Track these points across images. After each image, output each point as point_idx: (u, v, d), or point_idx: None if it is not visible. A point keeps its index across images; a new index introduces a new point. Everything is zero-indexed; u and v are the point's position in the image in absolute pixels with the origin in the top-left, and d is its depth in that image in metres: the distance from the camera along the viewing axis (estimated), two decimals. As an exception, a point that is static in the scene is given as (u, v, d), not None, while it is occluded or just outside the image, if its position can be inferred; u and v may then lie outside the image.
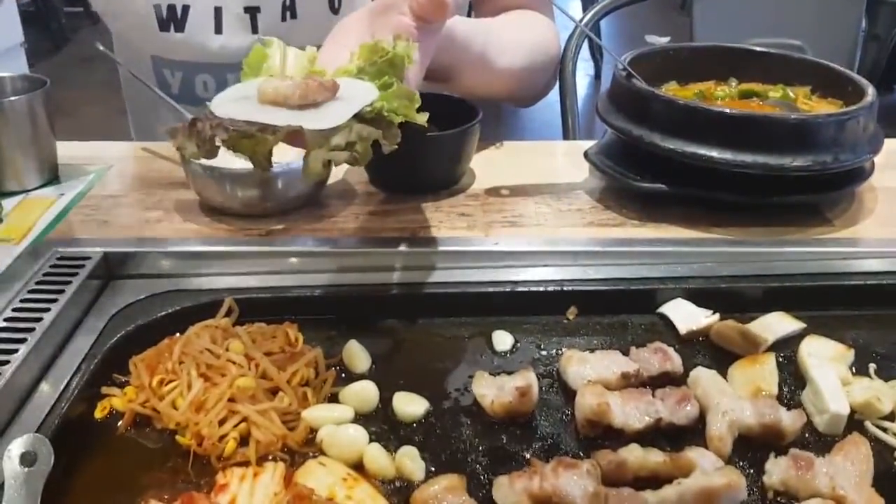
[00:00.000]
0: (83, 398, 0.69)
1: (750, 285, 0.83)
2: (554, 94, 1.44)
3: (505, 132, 1.25)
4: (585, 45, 1.53)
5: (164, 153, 1.09)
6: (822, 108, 0.99)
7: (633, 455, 0.62)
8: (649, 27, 4.73)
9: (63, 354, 0.73)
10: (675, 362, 0.73)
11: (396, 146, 0.71)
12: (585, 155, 0.99)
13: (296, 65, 0.78)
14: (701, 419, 0.67)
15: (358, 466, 0.64)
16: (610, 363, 0.72)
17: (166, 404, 0.68)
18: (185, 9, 1.14)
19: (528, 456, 0.65)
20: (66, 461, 0.63)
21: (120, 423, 0.68)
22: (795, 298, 0.82)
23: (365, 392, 0.70)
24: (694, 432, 0.67)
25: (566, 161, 1.10)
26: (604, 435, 0.67)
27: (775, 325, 0.78)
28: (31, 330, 0.72)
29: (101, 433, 0.68)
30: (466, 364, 0.75)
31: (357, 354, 0.75)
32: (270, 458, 0.65)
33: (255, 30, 1.15)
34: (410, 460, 0.63)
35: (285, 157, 0.93)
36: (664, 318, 0.81)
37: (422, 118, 0.72)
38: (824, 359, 0.73)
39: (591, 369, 0.71)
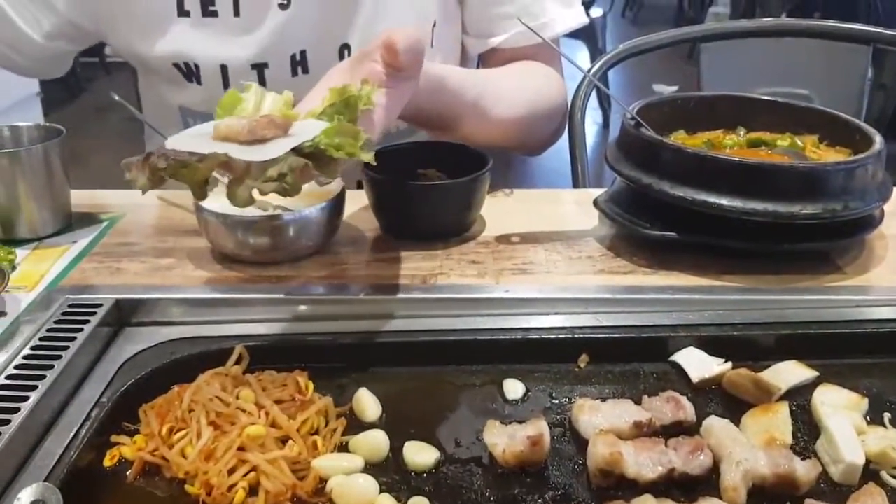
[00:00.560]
0: (93, 446, 0.69)
1: (762, 333, 0.83)
2: (563, 142, 1.45)
3: (515, 180, 1.26)
4: (594, 95, 1.54)
5: (176, 201, 1.10)
6: (831, 156, 1.00)
7: (647, 506, 0.61)
8: (657, 77, 4.78)
9: (73, 402, 0.73)
10: (687, 411, 0.72)
11: (332, 180, 0.74)
12: (595, 203, 0.99)
13: (272, 108, 0.79)
14: (714, 469, 0.66)
15: (368, 517, 0.63)
16: (622, 412, 0.71)
17: (176, 453, 0.67)
18: (197, 67, 1.16)
19: (539, 506, 0.64)
20: (75, 510, 0.62)
21: (129, 471, 0.68)
22: (808, 346, 0.81)
23: (375, 441, 0.70)
24: (707, 482, 0.66)
25: (576, 209, 1.10)
26: (616, 485, 0.66)
27: (788, 373, 0.77)
28: (42, 377, 0.72)
29: (110, 481, 0.67)
30: (477, 412, 0.75)
31: (367, 403, 0.74)
32: (280, 507, 0.64)
33: (263, 84, 1.15)
34: (421, 511, 0.62)
35: (296, 205, 0.94)
36: (676, 366, 0.80)
37: (367, 156, 0.74)
38: (838, 408, 0.72)
39: (603, 418, 0.71)
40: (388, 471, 0.68)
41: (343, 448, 0.70)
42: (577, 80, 1.45)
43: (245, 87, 0.82)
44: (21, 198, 0.98)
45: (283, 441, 0.69)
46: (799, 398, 0.75)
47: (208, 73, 1.16)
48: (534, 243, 0.99)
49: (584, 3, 1.26)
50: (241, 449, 0.67)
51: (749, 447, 0.67)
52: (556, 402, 0.76)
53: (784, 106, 1.08)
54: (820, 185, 0.89)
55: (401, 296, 0.87)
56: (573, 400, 0.74)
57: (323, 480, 0.66)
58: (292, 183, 0.71)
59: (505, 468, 0.67)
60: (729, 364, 0.78)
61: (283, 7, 1.11)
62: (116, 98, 1.17)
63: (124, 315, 0.85)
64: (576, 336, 0.82)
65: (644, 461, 0.66)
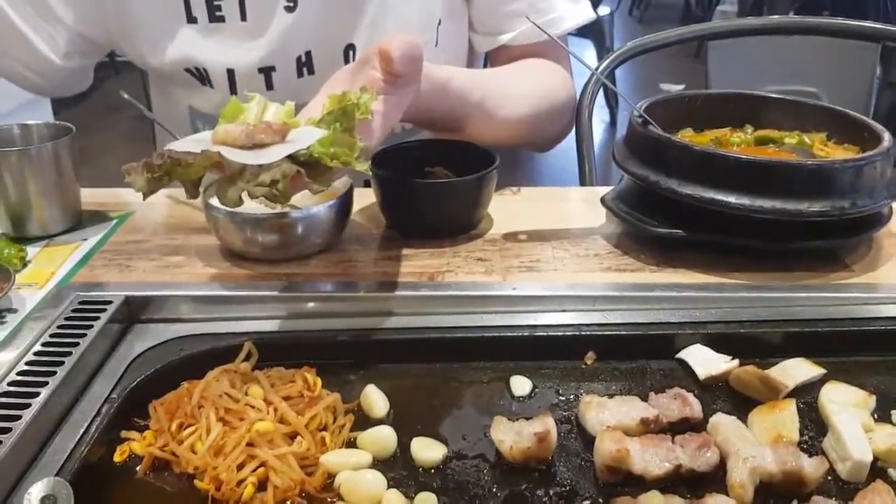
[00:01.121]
0: (103, 442, 0.70)
1: (769, 331, 0.83)
2: (570, 140, 1.45)
3: (522, 178, 1.27)
4: (601, 93, 1.54)
5: (185, 199, 1.10)
6: (839, 154, 1.00)
7: (653, 502, 0.62)
8: (664, 75, 4.77)
9: (83, 398, 0.74)
10: (694, 408, 0.72)
11: (325, 189, 0.75)
12: (602, 200, 0.99)
13: (274, 118, 0.81)
14: (721, 466, 0.66)
15: (376, 512, 0.63)
16: (629, 409, 0.72)
17: (185, 448, 0.68)
18: (205, 71, 1.17)
19: (547, 502, 0.64)
20: (86, 505, 0.63)
21: (139, 466, 0.68)
22: (815, 344, 0.81)
23: (383, 437, 0.70)
24: (714, 479, 0.66)
25: (583, 206, 1.11)
26: (623, 481, 0.66)
27: (795, 370, 0.77)
28: (53, 374, 0.73)
29: (120, 477, 0.68)
30: (484, 409, 0.75)
31: (375, 399, 0.75)
32: (288, 503, 0.64)
33: (270, 87, 1.16)
34: (429, 506, 0.63)
35: (305, 203, 0.94)
36: (683, 363, 0.81)
37: (361, 166, 0.75)
38: (846, 405, 0.72)
39: (610, 415, 0.71)
40: (396, 466, 0.68)
41: (351, 444, 0.71)
42: (585, 78, 1.45)
43: (249, 97, 0.83)
44: (31, 196, 0.99)
45: (292, 437, 0.70)
46: (806, 395, 0.75)
47: (217, 77, 1.16)
48: (541, 241, 0.99)
49: (591, 2, 1.26)
50: (249, 445, 0.67)
51: (756, 444, 0.67)
52: (563, 398, 0.77)
53: (792, 103, 1.08)
54: (828, 183, 0.89)
55: (408, 293, 0.88)
56: (580, 397, 0.75)
57: (331, 476, 0.67)
58: (282, 190, 0.72)
59: (512, 464, 0.68)
60: (736, 361, 0.78)
61: (289, 9, 1.12)
62: (126, 97, 1.18)
63: (134, 312, 0.86)
64: (583, 333, 0.83)
65: (651, 457, 0.66)
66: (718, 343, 0.81)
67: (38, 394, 0.70)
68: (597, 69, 1.45)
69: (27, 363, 0.75)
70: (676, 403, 0.73)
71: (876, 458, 0.67)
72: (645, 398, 0.74)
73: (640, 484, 0.65)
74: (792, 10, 4.78)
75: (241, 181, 0.72)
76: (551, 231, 1.01)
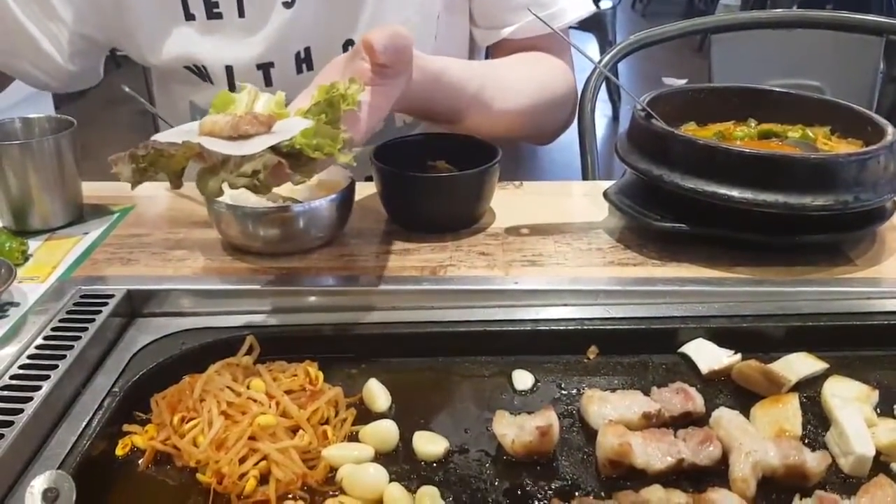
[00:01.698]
0: (105, 435, 0.70)
1: (772, 325, 0.83)
2: (573, 134, 1.45)
3: (524, 173, 1.27)
4: (603, 87, 1.54)
5: (187, 193, 1.10)
6: (843, 148, 0.99)
7: (656, 496, 0.61)
8: (667, 69, 4.77)
9: (85, 391, 0.74)
10: (697, 402, 0.72)
11: (307, 180, 0.76)
12: (605, 195, 0.99)
13: (264, 108, 0.80)
14: (724, 460, 0.66)
15: (378, 506, 0.63)
16: (631, 403, 0.72)
17: (187, 442, 0.68)
18: (205, 68, 1.16)
19: (548, 496, 0.64)
20: (88, 498, 0.63)
21: (141, 460, 0.68)
22: (818, 338, 0.81)
23: (385, 431, 0.70)
24: (717, 473, 0.66)
25: (585, 201, 1.10)
26: (625, 475, 0.66)
27: (798, 365, 0.77)
28: (55, 367, 0.73)
29: (122, 470, 0.68)
30: (486, 403, 0.75)
31: (377, 393, 0.75)
32: (290, 496, 0.64)
33: (269, 83, 1.16)
34: (431, 500, 0.63)
35: (306, 197, 0.94)
36: (685, 357, 0.80)
37: (344, 157, 0.75)
38: (848, 399, 0.72)
39: (612, 409, 0.71)
40: (398, 460, 0.68)
41: (353, 438, 0.70)
42: (588, 72, 1.44)
43: (240, 87, 0.83)
44: (33, 189, 0.99)
45: (294, 431, 0.70)
46: (809, 390, 0.75)
47: (216, 74, 1.16)
48: (543, 235, 0.99)
49: (593, -5, 1.26)
50: (251, 438, 0.67)
51: (759, 438, 0.67)
52: (565, 392, 0.77)
53: (795, 97, 1.08)
54: (831, 177, 0.89)
55: (410, 287, 0.88)
56: (582, 391, 0.75)
57: (333, 469, 0.67)
58: (263, 181, 0.72)
59: (514, 458, 0.68)
60: (739, 356, 0.78)
61: (287, 5, 1.11)
62: (127, 90, 1.18)
63: (136, 305, 0.86)
64: (585, 327, 0.83)
65: (653, 452, 0.66)
66: (721, 337, 0.81)
67: (39, 387, 0.70)
68: (599, 63, 1.44)
69: (29, 357, 0.75)
70: (679, 398, 0.72)
71: (878, 453, 0.67)
72: (647, 392, 0.74)
73: (642, 478, 0.65)
74: (795, 3, 4.77)
75: (224, 172, 0.72)
76: (553, 225, 1.01)
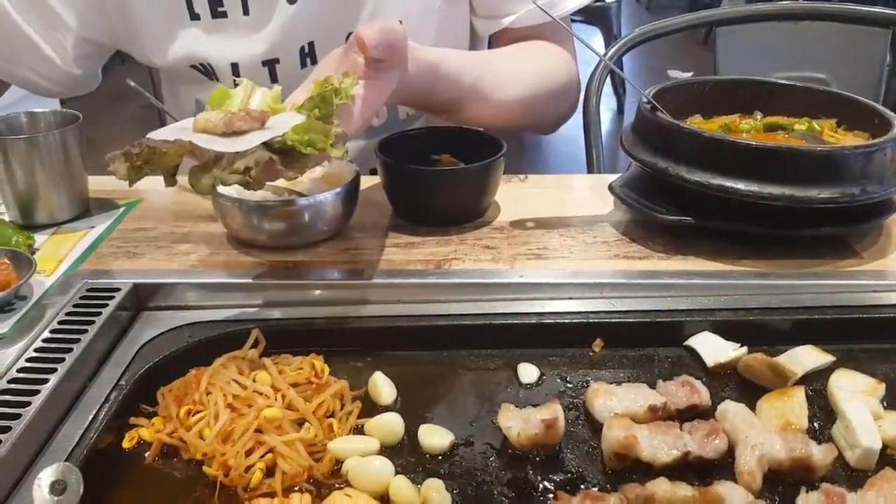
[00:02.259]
0: (112, 428, 0.70)
1: (778, 318, 0.83)
2: (577, 127, 1.45)
3: (528, 167, 1.26)
4: (608, 80, 1.53)
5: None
6: (849, 140, 0.99)
7: (661, 489, 0.61)
8: (672, 62, 4.75)
9: (92, 385, 0.74)
10: (702, 395, 0.72)
11: (298, 176, 0.76)
12: (610, 188, 0.99)
13: (260, 103, 0.81)
14: (730, 453, 0.66)
15: (383, 498, 0.64)
16: (637, 396, 0.72)
17: (193, 435, 0.68)
18: (210, 66, 1.16)
19: (554, 489, 0.64)
20: (95, 490, 0.63)
21: (147, 453, 0.69)
22: (824, 331, 0.81)
23: (390, 424, 0.70)
24: (723, 466, 0.66)
25: (591, 194, 1.10)
26: (631, 468, 0.66)
27: (804, 358, 0.77)
28: (62, 360, 0.73)
29: (129, 463, 0.68)
30: (492, 396, 0.75)
31: (382, 386, 0.75)
32: (296, 489, 0.65)
33: (274, 79, 1.16)
34: (436, 493, 0.63)
35: (312, 190, 0.94)
36: (691, 351, 0.80)
37: (337, 151, 0.75)
38: (855, 392, 0.72)
39: (617, 402, 0.71)
40: (404, 453, 0.68)
41: (359, 431, 0.71)
42: (593, 65, 1.44)
43: (238, 82, 0.83)
44: (39, 183, 0.99)
45: (300, 423, 0.70)
46: (815, 383, 0.75)
47: (221, 72, 1.16)
48: (548, 228, 0.99)
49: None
50: (257, 431, 0.67)
51: (765, 431, 0.67)
52: (571, 385, 0.77)
53: (801, 90, 1.07)
54: (837, 170, 0.88)
55: (415, 280, 0.88)
56: (587, 384, 0.74)
57: (339, 462, 0.67)
58: (255, 177, 0.72)
59: (519, 451, 0.68)
60: (744, 349, 0.78)
61: (290, 1, 1.11)
62: (132, 85, 1.18)
63: (142, 299, 0.86)
64: (590, 321, 0.83)
65: (659, 445, 0.66)
66: (727, 330, 0.81)
67: (47, 380, 0.70)
68: (604, 56, 1.44)
69: (36, 350, 0.75)
70: (684, 391, 0.72)
71: (885, 446, 0.67)
72: (653, 385, 0.73)
73: (647, 471, 0.65)
74: (801, -4, 4.74)
75: (216, 169, 0.73)
76: (559, 219, 1.01)
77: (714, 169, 0.89)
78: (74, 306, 0.82)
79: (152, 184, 1.14)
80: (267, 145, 0.73)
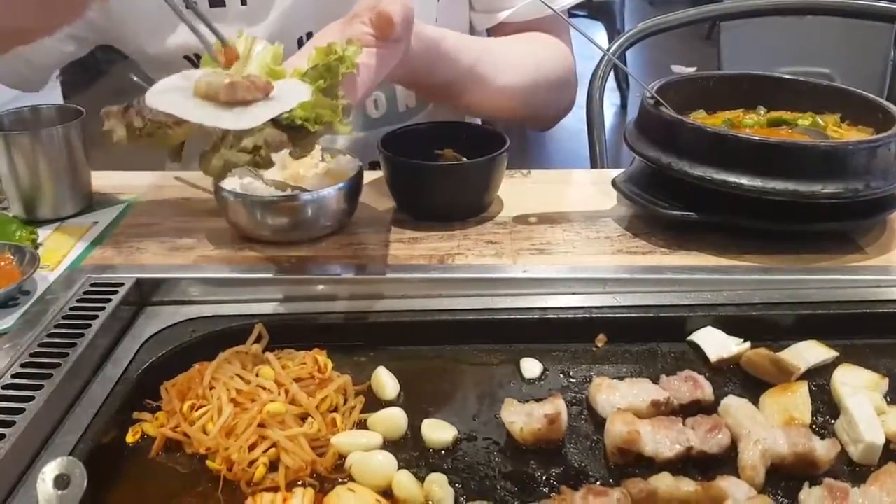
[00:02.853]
0: (115, 423, 0.70)
1: (781, 313, 0.83)
2: (580, 123, 1.45)
3: (532, 162, 1.26)
4: (611, 75, 1.53)
5: (195, 182, 1.10)
6: (853, 135, 0.99)
7: (664, 484, 0.61)
8: (675, 57, 4.74)
9: (96, 379, 0.74)
10: (705, 390, 0.72)
11: (307, 154, 0.74)
12: (613, 183, 0.99)
13: (261, 59, 0.78)
14: (733, 448, 0.66)
15: (387, 493, 0.64)
16: (640, 391, 0.72)
17: (197, 429, 0.68)
18: None
19: (557, 484, 0.64)
20: (99, 485, 0.63)
21: (151, 447, 0.69)
22: (828, 326, 0.81)
23: (393, 419, 0.70)
24: (726, 461, 0.66)
25: (594, 189, 1.10)
26: (634, 463, 0.66)
27: (807, 353, 0.77)
28: (65, 355, 0.73)
29: (132, 457, 0.68)
30: (495, 391, 0.75)
31: (385, 381, 0.75)
32: (300, 483, 0.65)
33: None
34: (439, 487, 0.63)
35: (315, 185, 0.94)
36: (694, 346, 0.80)
37: (344, 128, 0.74)
38: (858, 387, 0.72)
39: (620, 397, 0.71)
40: (407, 448, 0.69)
41: (362, 425, 0.71)
42: (596, 60, 1.44)
43: (238, 33, 0.80)
44: (42, 178, 0.99)
45: (303, 418, 0.70)
46: (818, 378, 0.75)
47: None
48: (551, 223, 0.99)
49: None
50: (261, 426, 0.67)
51: (768, 426, 0.67)
52: (574, 380, 0.77)
53: (805, 84, 1.07)
54: (841, 165, 0.88)
55: (418, 275, 0.88)
56: (590, 379, 0.74)
57: (342, 457, 0.67)
58: (265, 157, 0.71)
59: (523, 446, 0.68)
60: (747, 344, 0.78)
61: None
62: (136, 80, 1.18)
63: (145, 294, 0.86)
64: (593, 316, 0.83)
65: (662, 439, 0.66)
66: (730, 325, 0.81)
67: (50, 375, 0.70)
68: (608, 50, 1.43)
69: (40, 345, 0.75)
70: (687, 386, 0.72)
71: (888, 441, 0.67)
72: (656, 380, 0.73)
73: (650, 466, 0.65)
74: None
75: (224, 147, 0.71)
76: (562, 214, 1.01)
77: (717, 164, 0.89)
78: (78, 301, 0.82)
79: (155, 179, 1.15)
80: (275, 122, 0.71)
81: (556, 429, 0.67)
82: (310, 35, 1.14)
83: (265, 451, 0.66)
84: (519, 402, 0.70)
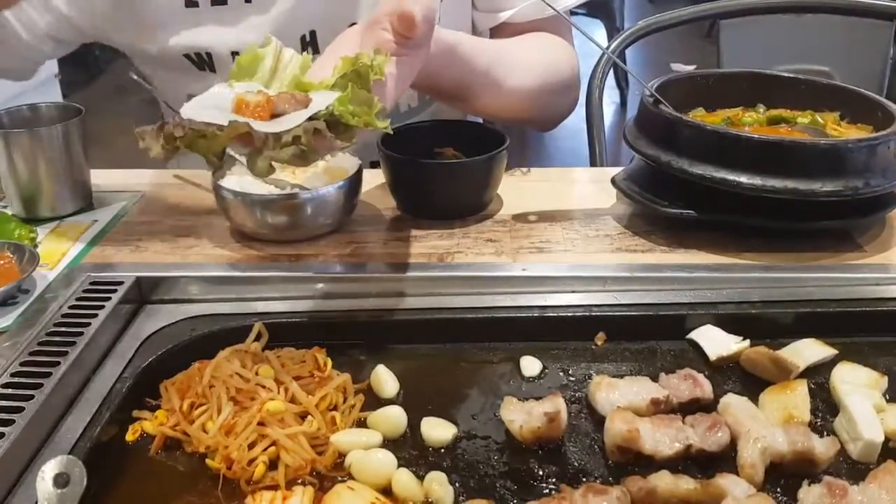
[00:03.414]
0: (115, 421, 0.70)
1: (781, 311, 0.83)
2: (580, 121, 1.44)
3: (531, 160, 1.26)
4: (611, 74, 1.53)
5: (195, 180, 1.10)
6: (852, 133, 0.99)
7: (664, 482, 0.62)
8: (675, 55, 4.73)
9: (95, 378, 0.74)
10: (705, 389, 0.72)
11: (349, 145, 0.74)
12: (613, 181, 0.99)
13: (288, 70, 0.79)
14: (732, 446, 0.66)
15: (386, 491, 0.64)
16: (640, 389, 0.72)
17: (196, 428, 0.68)
18: (209, 55, 1.16)
19: (557, 482, 0.64)
20: (98, 483, 0.63)
21: (151, 446, 0.69)
22: (827, 324, 0.81)
23: (393, 417, 0.70)
24: (725, 459, 0.66)
25: (593, 187, 1.10)
26: (633, 461, 0.66)
27: (806, 351, 0.77)
28: (65, 354, 0.73)
29: (132, 456, 0.68)
30: (495, 389, 0.75)
31: (385, 379, 0.75)
32: (299, 482, 0.65)
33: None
34: (439, 485, 0.63)
35: (314, 184, 0.94)
36: (694, 344, 0.80)
37: (382, 123, 0.73)
38: (857, 386, 0.72)
39: (620, 395, 0.71)
40: (406, 446, 0.69)
41: (361, 424, 0.71)
42: (595, 58, 1.43)
43: (266, 40, 0.81)
44: (41, 177, 0.99)
45: (303, 416, 0.70)
46: (818, 376, 0.75)
47: (220, 60, 1.15)
48: (551, 222, 0.99)
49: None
50: (260, 424, 0.67)
51: (767, 424, 0.67)
52: (573, 379, 0.77)
53: (805, 83, 1.07)
54: (841, 163, 0.88)
55: (418, 274, 0.88)
56: (590, 377, 0.75)
57: (342, 455, 0.67)
58: (307, 144, 0.70)
59: (522, 444, 0.68)
60: (747, 342, 0.78)
61: None
62: (135, 78, 1.18)
63: (145, 292, 0.86)
64: (593, 314, 0.83)
65: (661, 438, 0.66)
66: (729, 323, 0.81)
67: (50, 374, 0.70)
68: (607, 48, 1.43)
69: (40, 343, 0.75)
70: (687, 384, 0.72)
71: (887, 439, 0.67)
72: (655, 379, 0.74)
73: (650, 464, 0.65)
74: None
75: (267, 149, 0.71)
76: (561, 212, 1.01)
77: (717, 162, 0.89)
78: (77, 300, 0.82)
79: (155, 177, 1.15)
80: (313, 118, 0.71)
81: (556, 427, 0.67)
82: (312, 33, 1.14)
83: (265, 449, 0.66)
84: (518, 400, 0.70)
